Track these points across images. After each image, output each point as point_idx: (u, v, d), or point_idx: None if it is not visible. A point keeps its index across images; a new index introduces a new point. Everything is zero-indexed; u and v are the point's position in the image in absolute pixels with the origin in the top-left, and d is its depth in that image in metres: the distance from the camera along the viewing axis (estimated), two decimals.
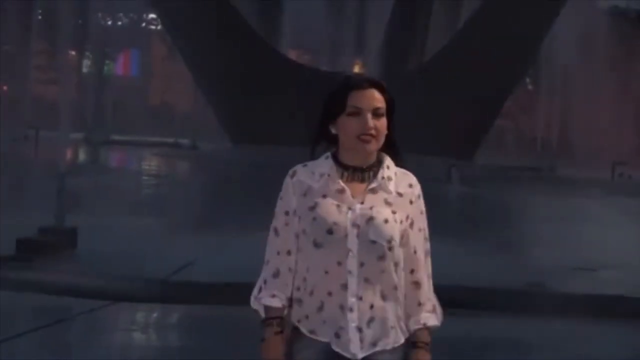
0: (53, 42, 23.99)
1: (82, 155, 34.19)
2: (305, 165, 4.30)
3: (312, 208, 4.18)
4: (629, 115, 42.65)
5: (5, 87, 37.96)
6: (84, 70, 42.32)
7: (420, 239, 4.28)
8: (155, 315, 11.31)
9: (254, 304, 4.35)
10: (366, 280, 4.13)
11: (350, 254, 4.12)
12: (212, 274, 12.01)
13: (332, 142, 4.29)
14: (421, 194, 4.29)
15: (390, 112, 4.22)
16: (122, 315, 11.12)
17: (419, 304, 4.26)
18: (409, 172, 4.29)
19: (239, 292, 11.39)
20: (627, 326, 10.90)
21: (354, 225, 4.13)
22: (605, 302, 11.50)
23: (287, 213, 4.27)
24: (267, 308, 4.28)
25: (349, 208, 4.15)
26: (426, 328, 4.28)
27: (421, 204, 4.29)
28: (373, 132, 4.14)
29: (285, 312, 4.28)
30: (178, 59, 35.26)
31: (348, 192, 4.18)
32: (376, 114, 4.17)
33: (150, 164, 35.17)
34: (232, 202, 20.23)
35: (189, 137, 39.54)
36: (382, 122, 4.18)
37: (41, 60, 39.75)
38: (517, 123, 53.16)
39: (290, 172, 4.31)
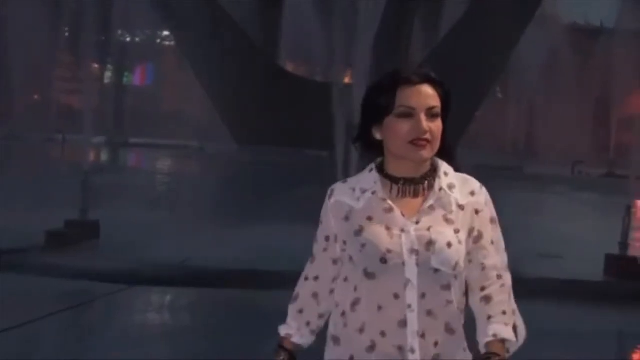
0: (78, 56, 23.97)
1: (103, 156, 34.13)
2: (344, 182, 3.26)
3: (359, 233, 3.12)
4: (586, 120, 42.64)
5: (36, 96, 37.87)
6: (105, 80, 42.22)
7: (491, 252, 3.19)
8: (168, 297, 11.28)
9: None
10: (429, 313, 3.08)
11: (410, 285, 3.06)
12: (219, 261, 12.01)
13: (376, 149, 3.21)
14: (489, 199, 3.22)
15: (445, 111, 3.16)
16: (139, 297, 11.10)
17: (489, 318, 3.16)
18: (469, 178, 3.23)
19: (241, 278, 11.46)
20: (585, 305, 10.90)
21: (412, 251, 3.05)
22: (567, 285, 11.50)
23: (327, 238, 3.28)
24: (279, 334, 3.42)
25: (402, 230, 3.08)
26: (498, 340, 3.15)
27: (490, 212, 3.21)
28: (428, 136, 3.07)
29: (300, 341, 3.37)
30: (188, 71, 35.19)
31: (397, 211, 3.11)
32: (431, 114, 3.10)
33: (164, 164, 35.14)
34: (235, 197, 20.20)
35: (198, 139, 39.43)
36: (438, 124, 3.11)
37: (67, 72, 39.66)
38: (489, 127, 53.17)
39: (329, 191, 3.28)
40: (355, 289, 3.13)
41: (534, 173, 33.43)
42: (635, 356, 9.46)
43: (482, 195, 3.20)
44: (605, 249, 13.09)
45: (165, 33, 51.83)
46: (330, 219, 3.25)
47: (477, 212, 3.17)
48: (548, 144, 38.66)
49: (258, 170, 23.73)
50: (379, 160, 3.21)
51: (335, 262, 3.27)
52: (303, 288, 3.37)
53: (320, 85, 25.62)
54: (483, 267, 3.17)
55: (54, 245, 12.78)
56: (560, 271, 12.32)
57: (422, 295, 3.06)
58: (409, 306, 3.06)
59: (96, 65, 33.93)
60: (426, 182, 3.15)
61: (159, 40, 58.25)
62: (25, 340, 8.81)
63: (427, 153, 3.10)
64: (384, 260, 3.06)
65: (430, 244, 3.06)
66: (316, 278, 3.32)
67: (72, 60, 36.11)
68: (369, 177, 3.20)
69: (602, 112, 41.39)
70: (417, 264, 3.05)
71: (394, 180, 3.15)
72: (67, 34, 33.01)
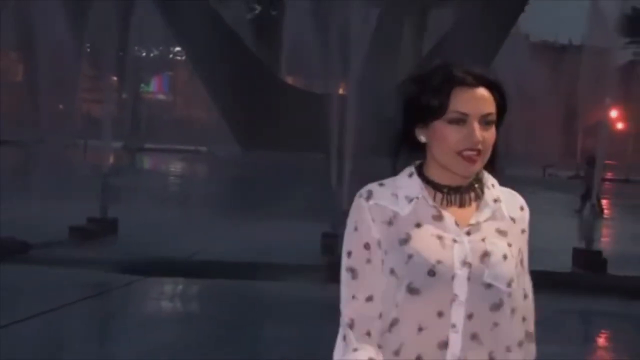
0: (98, 69, 24.03)
1: (121, 160, 34.14)
2: (382, 185, 2.52)
3: (405, 242, 2.43)
4: (556, 128, 42.71)
5: (60, 106, 37.88)
6: (123, 91, 42.26)
7: (528, 278, 2.62)
8: (180, 287, 11.27)
9: None
10: (473, 337, 2.41)
11: (457, 301, 2.40)
12: (226, 253, 12.00)
13: (415, 151, 2.53)
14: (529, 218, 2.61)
15: (500, 117, 2.50)
16: (154, 287, 11.09)
17: (528, 335, 2.57)
18: (515, 192, 2.61)
19: (247, 270, 11.45)
20: (553, 294, 10.90)
21: (464, 263, 2.41)
22: (539, 275, 11.49)
23: (367, 246, 2.46)
24: None
25: (454, 240, 2.44)
26: None
27: (528, 233, 2.61)
28: (480, 146, 2.42)
29: None
30: (197, 82, 35.21)
31: (449, 218, 2.46)
32: (485, 121, 2.44)
33: (176, 166, 35.14)
34: (240, 196, 20.21)
35: (207, 144, 39.43)
36: (491, 133, 2.46)
37: (89, 83, 39.69)
38: None
39: (363, 192, 2.51)
40: (396, 307, 2.43)
41: (509, 175, 33.38)
42: (599, 340, 9.46)
43: (528, 213, 2.60)
44: (573, 243, 13.11)
45: (178, 48, 51.95)
46: (369, 223, 2.47)
47: (523, 231, 2.57)
48: (522, 149, 38.69)
49: (260, 172, 23.74)
50: (417, 163, 2.53)
51: (382, 275, 2.46)
52: (356, 311, 2.47)
53: (317, 96, 25.64)
54: (525, 295, 2.58)
55: (76, 239, 12.76)
56: (533, 263, 12.30)
57: (469, 316, 2.41)
58: (453, 326, 2.40)
59: (115, 78, 33.91)
60: (472, 193, 2.51)
61: (171, 55, 58.37)
62: (54, 324, 8.80)
63: (477, 167, 2.46)
64: (432, 273, 2.40)
65: (485, 255, 2.43)
66: (369, 298, 2.46)
67: (94, 73, 36.08)
68: (412, 183, 2.50)
69: (570, 121, 41.47)
70: (469, 278, 2.41)
71: (437, 187, 2.49)
72: (88, 50, 33.03)
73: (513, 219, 2.53)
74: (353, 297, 2.47)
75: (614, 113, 31.65)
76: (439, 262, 2.40)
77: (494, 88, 2.47)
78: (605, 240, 16.45)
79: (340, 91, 16.29)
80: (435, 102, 2.43)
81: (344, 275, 2.49)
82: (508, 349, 2.47)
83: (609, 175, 33.66)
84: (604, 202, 21.52)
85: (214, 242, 12.97)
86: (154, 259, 11.67)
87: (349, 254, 2.49)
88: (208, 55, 29.67)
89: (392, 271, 2.44)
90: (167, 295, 10.89)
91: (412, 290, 2.40)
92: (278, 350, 8.08)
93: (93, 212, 13.68)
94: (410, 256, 2.41)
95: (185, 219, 15.58)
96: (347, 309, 2.47)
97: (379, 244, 2.46)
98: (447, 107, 2.43)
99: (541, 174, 36.07)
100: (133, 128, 39.74)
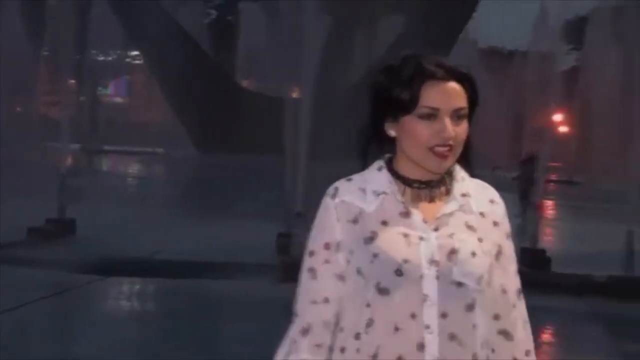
0: (56, 73, 23.81)
1: (79, 162, 33.80)
2: (349, 180, 2.40)
3: (370, 240, 2.30)
4: (503, 131, 43.10)
5: (18, 109, 37.48)
6: (81, 94, 41.87)
7: (510, 273, 2.40)
8: (138, 287, 11.21)
9: None
10: (452, 337, 2.26)
11: (428, 302, 2.26)
12: (184, 253, 11.96)
13: (385, 145, 2.39)
14: (506, 211, 2.44)
15: (471, 110, 2.37)
16: (113, 287, 11.02)
17: (505, 333, 2.37)
18: (487, 184, 2.48)
19: (204, 269, 11.42)
20: None
21: (431, 261, 2.27)
22: None
23: (327, 246, 2.35)
24: None
25: (421, 238, 2.29)
26: None
27: (508, 225, 2.43)
28: (452, 142, 2.31)
29: None
30: (155, 86, 35.04)
31: (417, 215, 2.32)
32: (457, 115, 2.32)
33: (134, 168, 34.96)
34: (197, 196, 20.14)
35: (164, 146, 39.21)
36: (463, 127, 2.33)
37: (48, 86, 39.32)
38: None
39: (331, 190, 2.39)
40: (368, 307, 2.28)
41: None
42: (544, 335, 9.58)
43: (502, 206, 2.43)
44: (519, 242, 13.23)
45: (136, 52, 51.73)
46: (333, 222, 2.34)
47: (495, 224, 2.38)
48: (474, 151, 39.02)
49: (216, 173, 23.67)
50: (387, 156, 2.39)
51: (340, 277, 2.34)
52: (313, 314, 2.36)
53: (272, 99, 25.64)
54: (503, 291, 2.38)
55: (35, 240, 12.63)
56: None
57: (443, 315, 2.25)
58: (427, 327, 2.25)
59: (73, 81, 33.57)
60: (442, 187, 2.37)
61: (129, 59, 58.11)
62: (13, 324, 8.71)
63: (449, 163, 2.33)
64: (399, 272, 2.25)
65: (452, 252, 2.28)
66: (326, 300, 2.34)
67: (52, 76, 35.73)
68: (381, 177, 2.37)
69: (517, 124, 41.87)
70: (437, 277, 2.26)
71: (407, 182, 2.35)
72: (46, 54, 32.73)
73: (482, 214, 2.37)
74: (312, 301, 2.35)
75: (558, 117, 32.00)
76: (405, 261, 2.26)
77: (465, 81, 2.35)
78: (549, 239, 16.65)
79: (295, 95, 16.31)
80: (405, 96, 2.30)
81: (304, 275, 2.38)
82: (493, 350, 2.33)
83: (553, 176, 34.06)
84: (549, 202, 21.78)
85: (173, 242, 12.91)
86: (113, 259, 11.60)
87: (311, 253, 2.38)
88: (164, 59, 29.58)
89: (359, 271, 2.31)
90: (126, 295, 10.83)
91: (381, 290, 2.27)
92: (235, 348, 8.08)
93: (52, 213, 13.55)
94: (375, 255, 2.28)
95: (143, 220, 15.48)
96: (305, 313, 2.36)
97: (338, 245, 2.34)
98: (418, 102, 2.29)
99: (489, 174, 36.42)
100: (91, 130, 39.39)
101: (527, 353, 2.43)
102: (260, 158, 23.80)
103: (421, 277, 2.26)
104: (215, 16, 55.45)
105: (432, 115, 2.29)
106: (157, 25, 28.32)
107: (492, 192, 2.45)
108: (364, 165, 2.41)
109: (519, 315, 2.42)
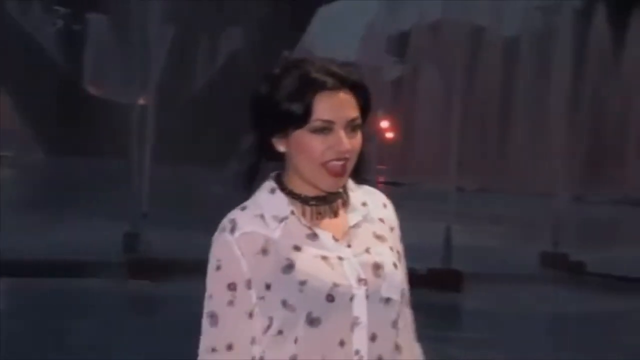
0: None
1: None
2: (244, 209, 2.03)
3: (289, 268, 1.96)
4: None
5: None
6: None
7: (405, 276, 2.15)
8: None
9: None
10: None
11: (359, 325, 1.98)
12: (31, 252, 11.66)
13: (270, 160, 2.06)
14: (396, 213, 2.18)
15: (364, 120, 2.04)
16: None
17: (397, 347, 2.05)
18: (374, 189, 2.18)
19: (52, 267, 11.15)
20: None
21: (359, 280, 1.98)
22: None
23: (231, 287, 1.98)
24: None
25: (340, 258, 2.00)
26: None
27: (399, 228, 2.16)
28: (348, 155, 1.99)
29: None
30: (1, 91, 33.94)
31: (325, 235, 2.01)
32: (352, 127, 2.01)
33: None
34: (46, 198, 19.62)
35: (11, 150, 37.95)
36: (358, 138, 2.02)
37: None
38: None
39: (226, 224, 2.01)
40: (295, 343, 1.95)
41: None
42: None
43: (392, 208, 2.17)
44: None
45: None
46: (238, 259, 1.97)
47: (392, 229, 2.12)
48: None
49: (64, 176, 23.15)
50: (273, 175, 2.05)
51: (250, 315, 1.98)
52: None
53: (119, 105, 25.27)
54: (407, 299, 2.16)
55: None
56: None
57: (372, 337, 1.98)
58: (357, 352, 1.97)
59: None
60: (340, 199, 2.06)
61: None
62: None
63: (344, 180, 2.03)
64: (330, 298, 1.95)
65: (376, 267, 2.01)
66: (230, 347, 1.97)
67: None
68: (277, 201, 2.02)
69: None
70: (367, 296, 1.98)
71: (304, 201, 2.03)
72: None
73: (381, 220, 2.10)
74: (212, 349, 1.98)
75: (384, 123, 32.87)
76: (335, 285, 1.95)
77: (356, 89, 2.02)
78: None
79: (141, 101, 16.19)
80: (296, 110, 1.96)
81: (204, 322, 2.00)
82: None
83: (381, 178, 34.96)
84: None
85: (20, 242, 12.52)
86: None
87: (210, 297, 2.00)
88: (10, 65, 28.74)
89: (284, 303, 1.95)
90: None
91: (312, 321, 1.94)
92: (81, 342, 7.95)
93: None
94: (302, 283, 1.94)
95: None
96: None
97: (247, 283, 1.97)
98: (310, 115, 1.96)
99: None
100: None
101: (411, 346, 2.15)
102: (107, 162, 23.44)
103: (351, 299, 1.97)
104: (62, 25, 53.99)
105: (326, 128, 1.97)
106: (2, 29, 27.59)
107: (381, 196, 2.18)
108: (249, 187, 2.06)
109: (411, 323, 2.17)
